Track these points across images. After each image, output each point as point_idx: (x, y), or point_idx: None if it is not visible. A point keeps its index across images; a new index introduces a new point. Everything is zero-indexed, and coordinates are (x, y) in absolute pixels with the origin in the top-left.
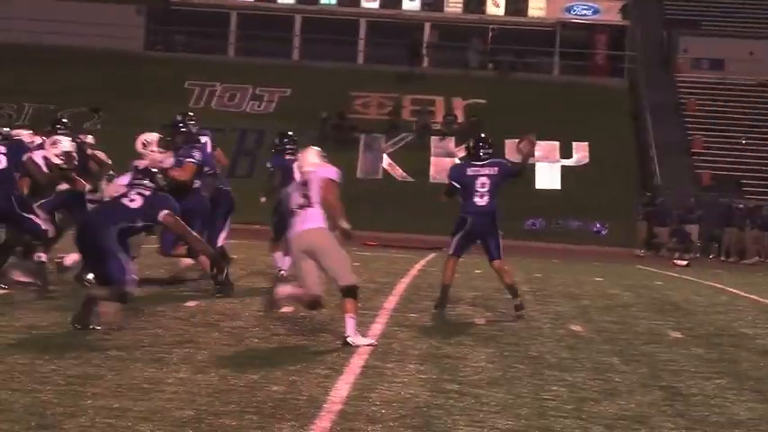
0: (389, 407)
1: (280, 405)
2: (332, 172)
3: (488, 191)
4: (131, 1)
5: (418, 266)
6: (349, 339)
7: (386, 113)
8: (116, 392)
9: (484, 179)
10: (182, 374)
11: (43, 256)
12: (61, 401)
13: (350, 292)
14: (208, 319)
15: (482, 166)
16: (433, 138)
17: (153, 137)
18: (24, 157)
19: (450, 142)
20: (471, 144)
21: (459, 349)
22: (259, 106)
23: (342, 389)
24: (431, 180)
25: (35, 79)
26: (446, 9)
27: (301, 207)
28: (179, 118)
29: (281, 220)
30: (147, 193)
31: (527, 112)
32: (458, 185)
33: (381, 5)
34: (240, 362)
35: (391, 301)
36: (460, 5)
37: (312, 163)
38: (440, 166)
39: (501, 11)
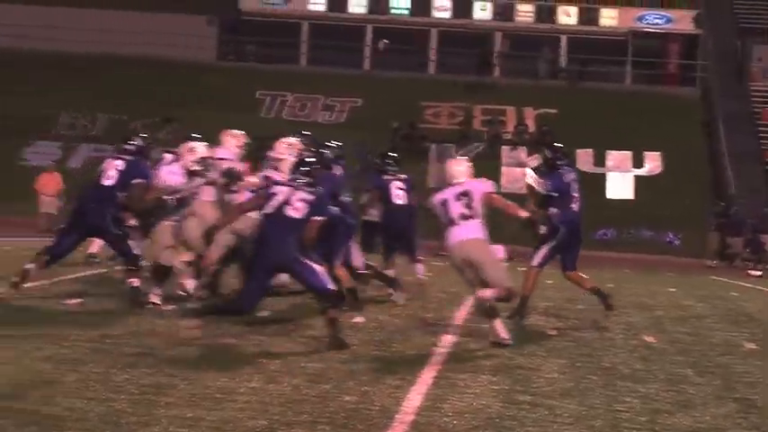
0: (462, 418)
1: (352, 415)
2: (489, 185)
3: (579, 198)
4: (203, 12)
5: None
6: (500, 339)
7: (456, 123)
8: (189, 402)
9: (576, 185)
10: (254, 384)
11: (135, 282)
12: (135, 411)
13: (507, 298)
14: (281, 329)
15: (570, 172)
16: (503, 147)
17: (292, 140)
18: (138, 180)
19: (521, 152)
20: (550, 154)
21: (532, 360)
22: (330, 116)
23: (414, 399)
24: (502, 190)
25: (107, 90)
26: (517, 18)
27: (464, 218)
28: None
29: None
30: (311, 198)
31: (598, 121)
32: (556, 194)
33: (452, 15)
34: (313, 372)
35: (463, 312)
36: (532, 15)
37: (464, 175)
38: (511, 176)
39: (573, 20)
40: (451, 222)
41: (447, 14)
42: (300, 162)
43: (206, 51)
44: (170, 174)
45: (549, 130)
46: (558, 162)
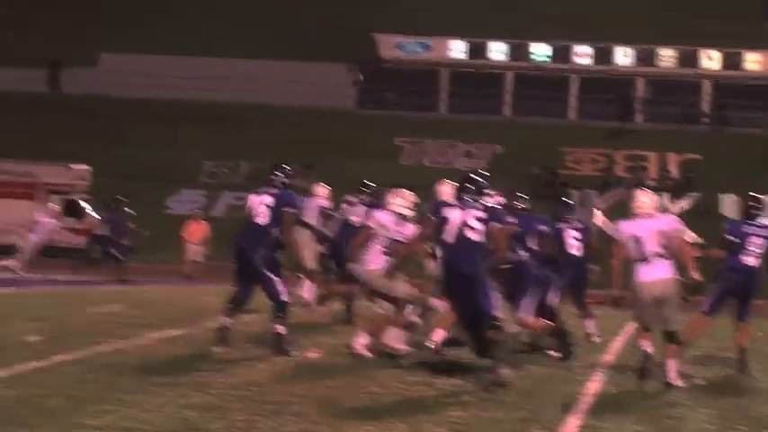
0: None
1: None
2: (677, 222)
3: (761, 252)
4: (343, 60)
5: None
6: (672, 381)
7: (598, 169)
8: None
9: (759, 240)
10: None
11: (281, 329)
12: None
13: (675, 337)
14: (424, 378)
15: (759, 227)
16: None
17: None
18: (288, 210)
19: (665, 198)
20: (751, 203)
21: (678, 410)
22: (470, 163)
23: None
24: None
25: (250, 138)
26: (659, 63)
27: (658, 256)
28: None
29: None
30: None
31: (745, 167)
32: (735, 240)
33: (593, 61)
34: (456, 420)
35: (607, 359)
36: (674, 60)
37: (652, 207)
38: None
39: (716, 65)
40: (643, 259)
41: (588, 60)
42: (468, 179)
43: (347, 99)
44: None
45: (694, 176)
46: (754, 212)
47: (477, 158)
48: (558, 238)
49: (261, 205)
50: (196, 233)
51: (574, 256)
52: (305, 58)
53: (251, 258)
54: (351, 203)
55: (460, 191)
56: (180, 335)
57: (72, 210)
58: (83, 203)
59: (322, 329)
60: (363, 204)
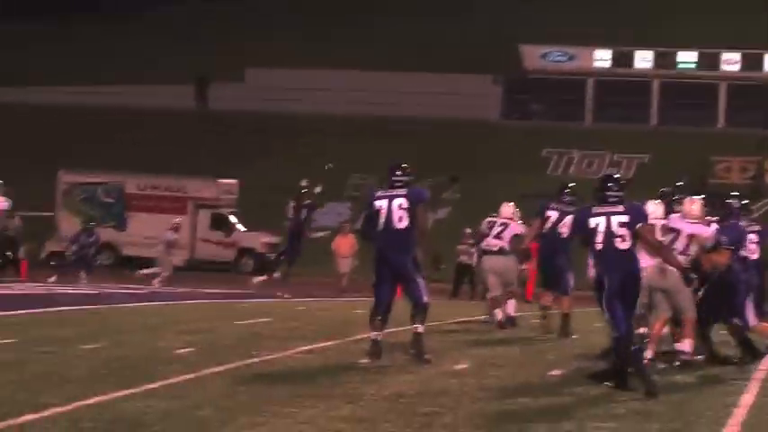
0: None
1: None
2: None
3: None
4: (488, 71)
5: None
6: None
7: (748, 178)
8: None
9: None
10: None
11: (420, 328)
12: None
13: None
14: (574, 390)
15: None
16: None
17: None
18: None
19: None
20: None
21: None
22: (617, 173)
23: None
24: None
25: (394, 150)
26: None
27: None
28: None
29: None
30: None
31: None
32: None
33: (742, 68)
34: None
35: (762, 369)
36: None
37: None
38: None
39: None
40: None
41: (736, 67)
42: (608, 178)
43: (491, 110)
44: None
45: None
46: None
47: (624, 168)
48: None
49: (398, 210)
50: (344, 246)
51: (754, 260)
52: (449, 69)
53: (401, 264)
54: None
55: (602, 191)
56: (330, 346)
57: (219, 223)
58: (231, 217)
59: (473, 341)
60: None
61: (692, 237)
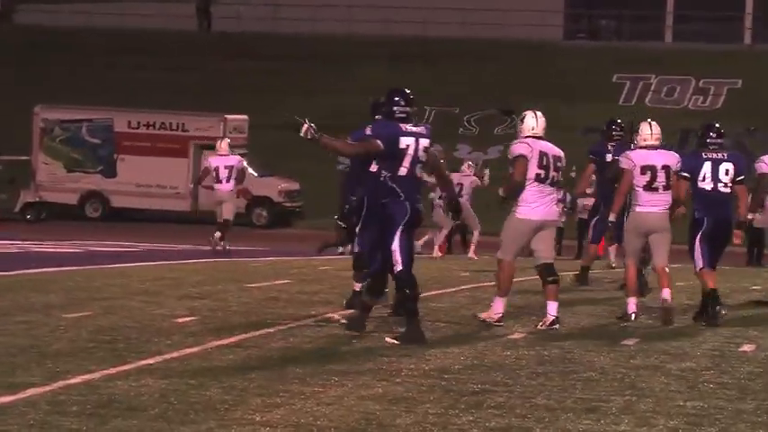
0: None
1: None
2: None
3: None
4: None
5: None
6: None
7: None
8: None
9: None
10: (623, 427)
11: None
12: None
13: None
14: (650, 361)
15: None
16: None
17: None
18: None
19: None
20: None
21: None
22: (704, 102)
23: None
24: None
25: (434, 78)
26: None
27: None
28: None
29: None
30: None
31: None
32: None
33: None
34: (693, 412)
35: None
36: None
37: None
38: None
39: None
40: None
41: None
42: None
43: (552, 30)
44: None
45: None
46: None
47: (713, 96)
48: None
49: (422, 152)
50: None
51: None
52: None
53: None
54: None
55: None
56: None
57: None
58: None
59: (529, 305)
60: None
61: None
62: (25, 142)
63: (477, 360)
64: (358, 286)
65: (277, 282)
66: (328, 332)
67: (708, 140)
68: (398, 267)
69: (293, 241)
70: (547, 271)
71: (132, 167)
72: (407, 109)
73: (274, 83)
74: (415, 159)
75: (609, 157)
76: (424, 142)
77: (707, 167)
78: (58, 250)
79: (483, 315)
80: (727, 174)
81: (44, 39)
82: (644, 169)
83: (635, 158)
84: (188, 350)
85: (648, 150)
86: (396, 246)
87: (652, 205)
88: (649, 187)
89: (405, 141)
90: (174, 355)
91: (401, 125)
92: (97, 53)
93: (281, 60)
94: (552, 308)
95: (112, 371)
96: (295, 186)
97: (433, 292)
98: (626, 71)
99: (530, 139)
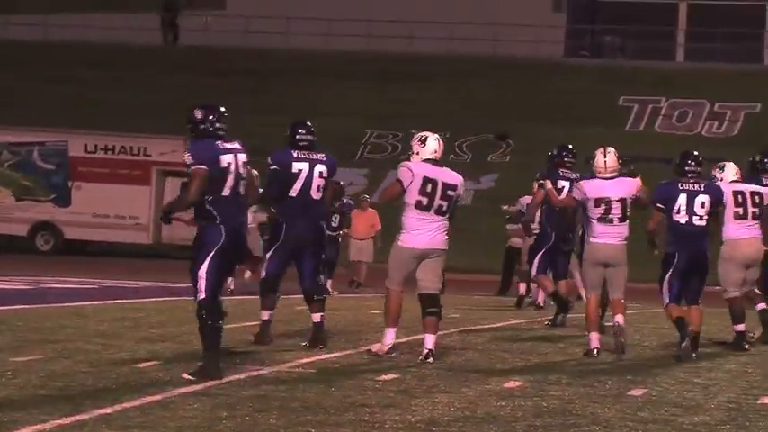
0: None
1: None
2: None
3: None
4: None
5: None
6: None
7: None
8: None
9: None
10: None
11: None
12: None
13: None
14: (660, 414)
15: None
16: None
17: None
18: None
19: None
20: None
21: None
22: (719, 127)
23: None
24: None
25: (421, 99)
26: None
27: None
28: None
29: None
30: None
31: None
32: None
33: None
34: None
35: None
36: None
37: None
38: None
39: None
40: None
41: None
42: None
43: (552, 46)
44: None
45: None
46: None
47: (729, 122)
48: None
49: (318, 179)
50: (362, 226)
51: None
52: None
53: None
54: None
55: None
56: (339, 357)
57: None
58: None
59: (527, 350)
60: None
61: None
62: None
63: (468, 411)
64: (266, 314)
65: (247, 323)
66: (303, 379)
67: (686, 169)
68: (201, 295)
69: None
70: (428, 302)
71: (88, 195)
72: (301, 137)
73: (245, 101)
74: (307, 183)
75: (560, 184)
76: (320, 168)
77: (682, 199)
78: (6, 287)
79: (374, 348)
80: (702, 206)
81: None
82: (598, 201)
83: (587, 190)
84: (149, 398)
85: (604, 181)
86: (202, 272)
87: (608, 237)
88: (604, 219)
89: (226, 160)
90: (135, 403)
91: (218, 143)
92: (51, 69)
93: (252, 77)
94: (429, 341)
95: (66, 421)
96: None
97: (419, 336)
98: (633, 93)
99: (419, 163)
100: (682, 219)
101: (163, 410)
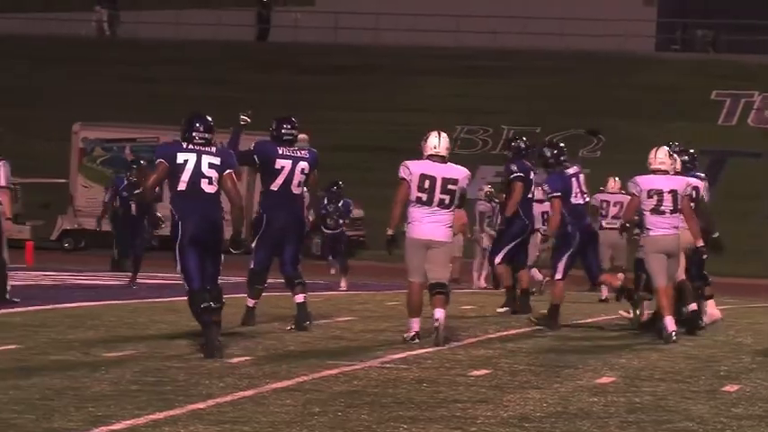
0: None
1: None
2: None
3: None
4: None
5: None
6: None
7: None
8: None
9: None
10: None
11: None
12: None
13: None
14: (754, 410)
15: None
16: None
17: None
18: None
19: None
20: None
21: None
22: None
23: None
24: None
25: (511, 94)
26: None
27: None
28: None
29: None
30: None
31: None
32: None
33: None
34: None
35: None
36: None
37: None
38: None
39: None
40: None
41: None
42: None
43: (643, 40)
44: None
45: None
46: None
47: None
48: None
49: (299, 174)
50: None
51: None
52: None
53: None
54: None
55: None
56: (431, 353)
57: None
58: None
59: (619, 346)
60: None
61: None
62: (62, 163)
63: (560, 407)
64: (251, 302)
65: (338, 319)
66: (396, 375)
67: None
68: (186, 288)
69: (356, 274)
70: (435, 286)
71: None
72: (286, 132)
73: (333, 98)
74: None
75: (532, 175)
76: (302, 165)
77: None
78: (99, 282)
79: (405, 335)
80: None
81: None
82: (650, 193)
83: (641, 183)
84: (242, 393)
85: (656, 175)
86: (179, 269)
87: (662, 227)
88: (657, 211)
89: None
90: (227, 398)
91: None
92: (140, 65)
93: (340, 74)
94: (438, 313)
95: (159, 416)
96: (359, 213)
97: (512, 332)
98: (725, 87)
99: (418, 161)
100: None
101: (255, 406)
